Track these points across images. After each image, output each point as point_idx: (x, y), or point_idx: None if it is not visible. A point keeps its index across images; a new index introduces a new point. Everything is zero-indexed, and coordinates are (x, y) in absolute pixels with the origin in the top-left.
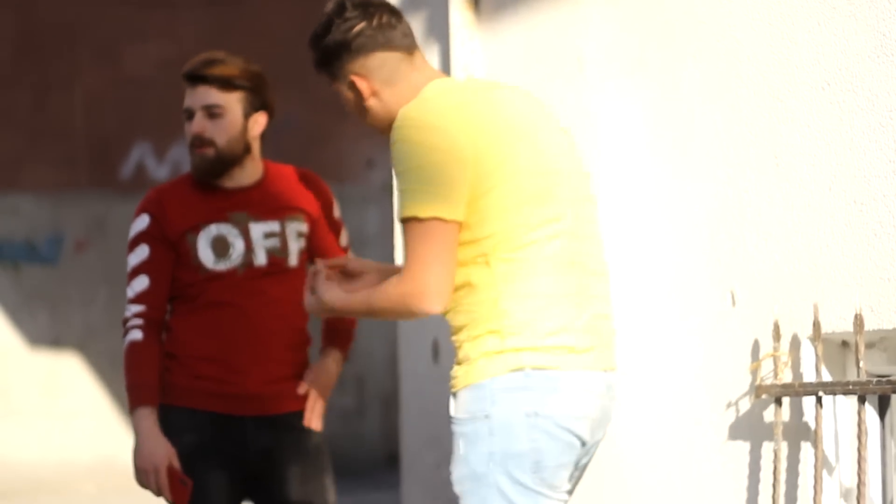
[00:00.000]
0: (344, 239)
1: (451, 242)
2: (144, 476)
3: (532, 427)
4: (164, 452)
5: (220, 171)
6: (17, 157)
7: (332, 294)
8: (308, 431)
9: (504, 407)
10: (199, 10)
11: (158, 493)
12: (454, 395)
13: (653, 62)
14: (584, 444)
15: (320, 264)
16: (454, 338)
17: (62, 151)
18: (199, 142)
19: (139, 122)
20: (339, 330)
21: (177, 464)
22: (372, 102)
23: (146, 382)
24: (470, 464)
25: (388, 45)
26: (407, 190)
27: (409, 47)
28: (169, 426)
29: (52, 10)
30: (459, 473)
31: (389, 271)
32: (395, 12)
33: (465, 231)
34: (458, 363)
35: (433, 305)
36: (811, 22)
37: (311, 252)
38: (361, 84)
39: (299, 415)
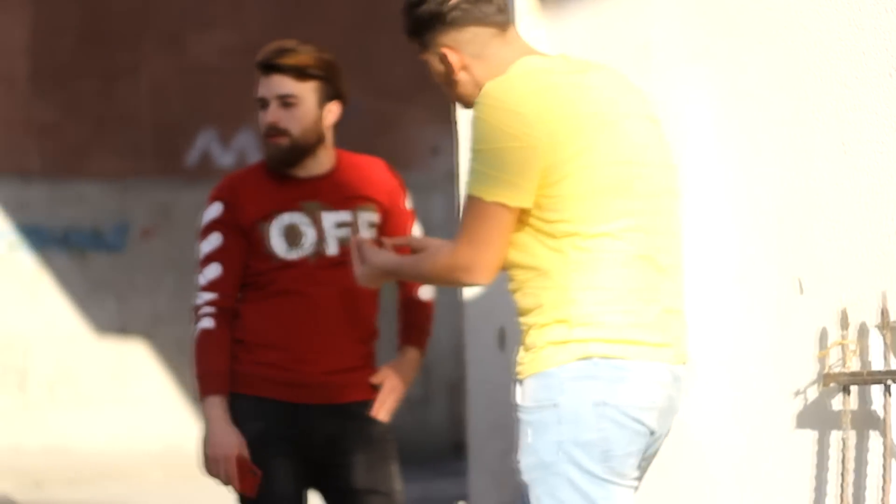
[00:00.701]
0: (416, 231)
1: (508, 227)
2: (214, 465)
3: (600, 416)
4: (234, 442)
5: (293, 160)
6: (84, 146)
7: (382, 257)
8: (373, 419)
9: (572, 396)
10: None
11: (227, 482)
12: (520, 382)
13: (719, 49)
14: (651, 433)
15: (382, 241)
16: (521, 319)
17: (128, 139)
18: (274, 131)
19: (205, 109)
20: (416, 327)
21: (246, 454)
22: (461, 76)
23: (217, 371)
24: (538, 452)
25: (483, 21)
26: (478, 170)
27: (503, 23)
28: (234, 414)
29: None
30: (527, 462)
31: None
32: None
33: (536, 212)
34: (525, 349)
35: (480, 280)
36: (878, 8)
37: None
38: (452, 57)
39: (365, 404)
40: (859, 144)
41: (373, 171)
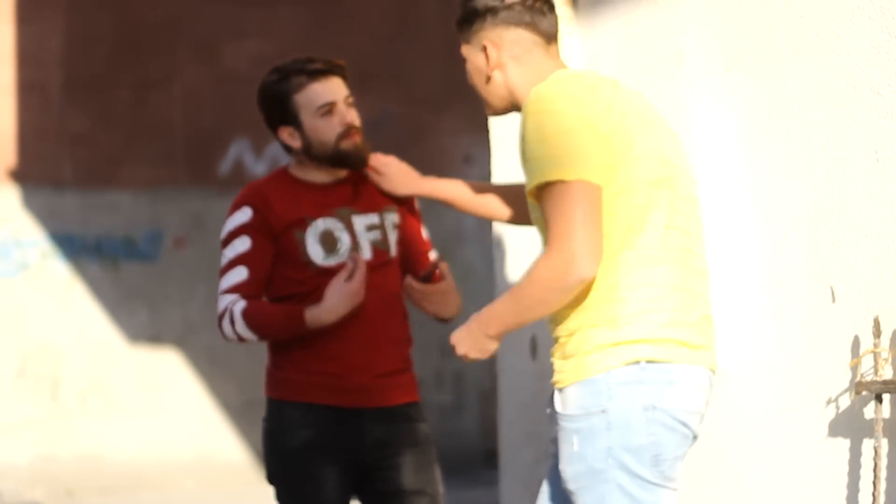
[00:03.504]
0: (424, 231)
1: (598, 206)
2: (354, 298)
3: (650, 420)
4: (342, 285)
5: (366, 158)
6: (117, 155)
7: (477, 319)
8: (419, 423)
9: (621, 401)
10: (297, 6)
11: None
12: (559, 391)
13: (752, 57)
14: (694, 437)
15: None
16: (560, 326)
17: (161, 149)
18: (354, 130)
19: (237, 118)
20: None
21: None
22: (495, 74)
23: (287, 309)
24: (586, 460)
25: (531, 26)
26: (548, 156)
27: (550, 37)
28: (284, 421)
29: (149, 9)
30: (575, 471)
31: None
32: (549, 3)
33: None
34: (565, 357)
35: (587, 270)
36: None
37: (402, 241)
38: (492, 52)
39: (410, 406)
40: (892, 152)
41: None
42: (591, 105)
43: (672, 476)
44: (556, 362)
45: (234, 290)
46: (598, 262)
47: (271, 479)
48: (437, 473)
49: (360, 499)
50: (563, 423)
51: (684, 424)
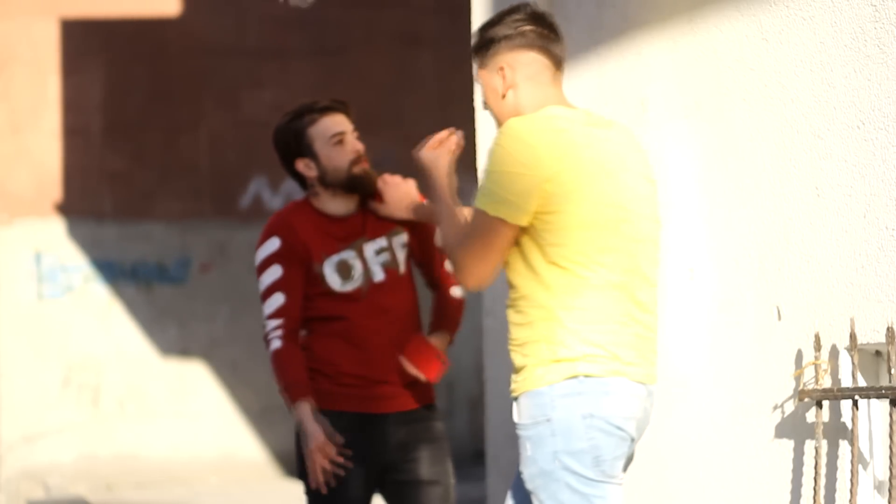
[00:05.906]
0: (438, 237)
1: (506, 241)
2: (311, 457)
3: (589, 427)
4: (323, 435)
5: (375, 185)
6: (150, 191)
7: (445, 177)
8: (435, 422)
9: (563, 411)
10: (309, 60)
11: (317, 474)
12: (515, 400)
13: (708, 105)
14: (632, 439)
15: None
16: (512, 336)
17: (189, 185)
18: (363, 157)
19: (256, 158)
20: (448, 317)
21: (332, 450)
22: (508, 95)
23: (297, 380)
24: (538, 463)
25: (544, 50)
26: (488, 188)
27: (558, 63)
28: None
29: (179, 62)
30: (530, 472)
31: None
32: (558, 33)
33: (534, 235)
34: (516, 371)
35: (465, 285)
36: (847, 69)
37: (415, 255)
38: (508, 73)
39: (427, 408)
40: (831, 189)
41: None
42: (541, 151)
43: (613, 473)
44: (512, 374)
45: (276, 314)
46: (479, 284)
47: (303, 476)
48: (450, 467)
49: (381, 492)
50: (519, 432)
51: (620, 429)
